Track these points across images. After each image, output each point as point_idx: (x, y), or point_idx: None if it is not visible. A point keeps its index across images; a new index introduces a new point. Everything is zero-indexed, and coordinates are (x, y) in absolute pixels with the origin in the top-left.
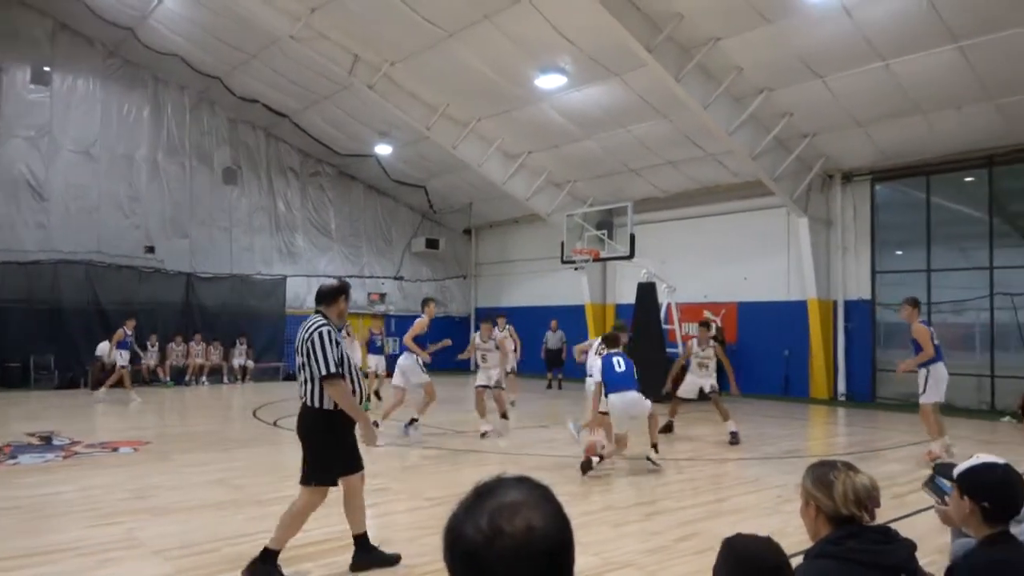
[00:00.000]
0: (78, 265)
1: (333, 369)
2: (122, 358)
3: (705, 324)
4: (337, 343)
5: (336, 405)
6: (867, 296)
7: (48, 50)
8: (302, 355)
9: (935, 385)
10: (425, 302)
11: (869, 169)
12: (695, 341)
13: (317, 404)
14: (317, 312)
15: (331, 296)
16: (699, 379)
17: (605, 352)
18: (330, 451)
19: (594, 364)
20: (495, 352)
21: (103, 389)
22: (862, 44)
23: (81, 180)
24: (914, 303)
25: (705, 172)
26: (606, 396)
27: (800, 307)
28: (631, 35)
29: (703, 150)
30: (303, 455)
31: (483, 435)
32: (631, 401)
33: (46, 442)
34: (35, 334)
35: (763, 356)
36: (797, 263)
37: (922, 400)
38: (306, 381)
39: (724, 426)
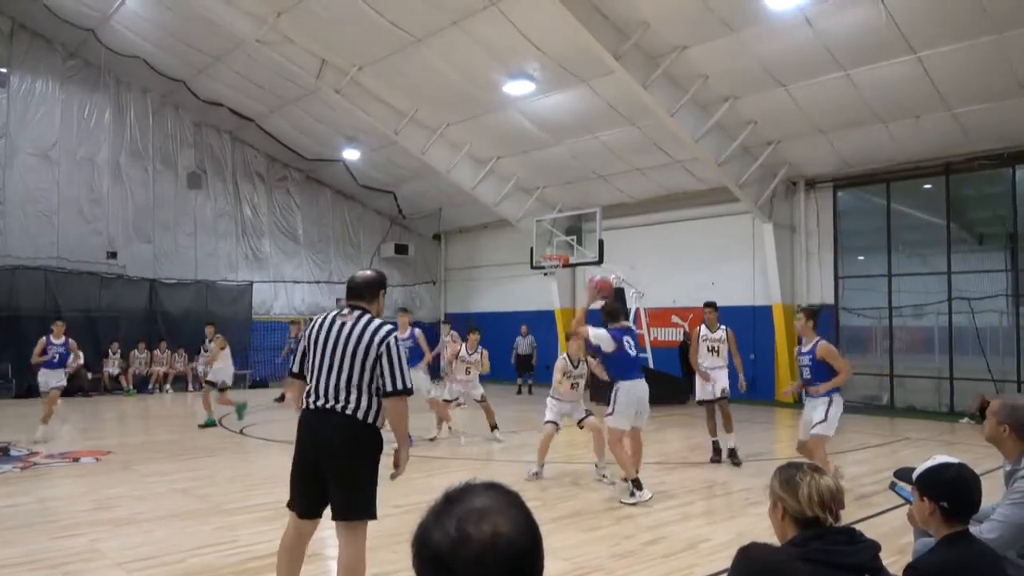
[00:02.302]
0: (36, 271)
1: (409, 385)
2: (46, 378)
3: (712, 305)
4: None
5: (380, 424)
6: (831, 300)
7: (5, 51)
8: (359, 357)
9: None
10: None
11: (831, 176)
12: (703, 326)
13: (371, 420)
14: (352, 307)
15: (377, 287)
16: (712, 374)
17: (612, 327)
18: (376, 477)
19: (599, 334)
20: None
21: (41, 430)
22: (823, 54)
23: (40, 184)
24: (810, 314)
25: (672, 178)
26: (611, 377)
27: (766, 312)
28: (598, 43)
29: (670, 157)
30: (342, 481)
31: (432, 440)
32: (643, 392)
33: (3, 453)
34: None
35: (729, 360)
36: (763, 268)
37: (822, 430)
38: (356, 390)
39: (726, 438)
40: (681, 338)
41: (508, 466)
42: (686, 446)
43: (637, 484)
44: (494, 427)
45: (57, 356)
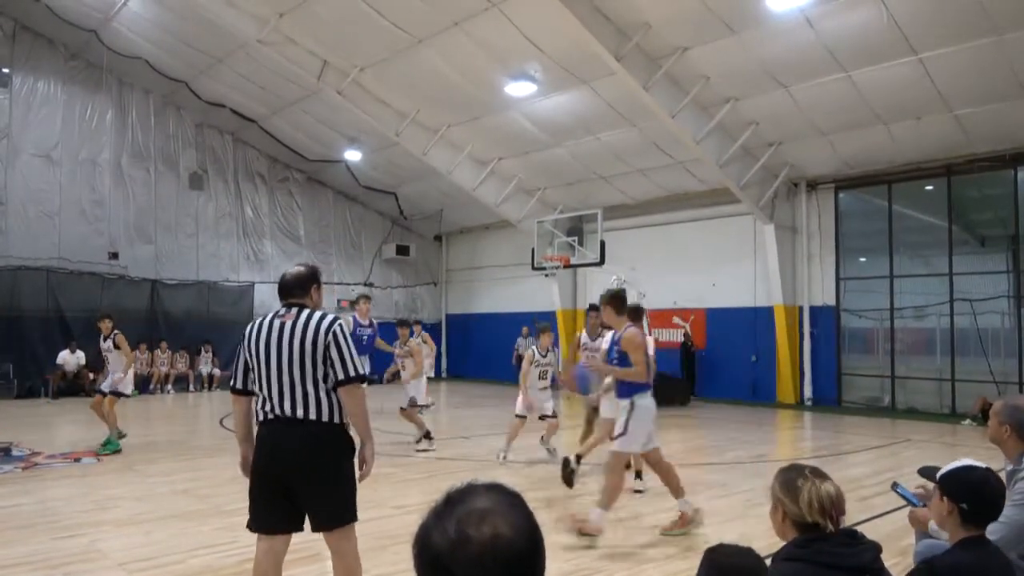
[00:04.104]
0: (38, 272)
1: (362, 371)
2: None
3: (595, 307)
4: None
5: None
6: (832, 302)
7: (8, 52)
8: (307, 353)
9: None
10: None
11: (833, 177)
12: (584, 333)
13: (337, 419)
14: (288, 305)
15: (309, 282)
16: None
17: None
18: (353, 478)
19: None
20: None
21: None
22: (824, 55)
23: (42, 185)
24: (609, 298)
25: (674, 179)
26: (632, 395)
27: (767, 313)
28: (600, 44)
29: (672, 158)
30: (317, 491)
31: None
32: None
33: (5, 453)
34: None
35: (731, 362)
36: (764, 270)
37: (619, 446)
38: (313, 391)
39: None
40: (682, 339)
41: (510, 467)
42: (687, 448)
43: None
44: (543, 439)
45: (107, 358)
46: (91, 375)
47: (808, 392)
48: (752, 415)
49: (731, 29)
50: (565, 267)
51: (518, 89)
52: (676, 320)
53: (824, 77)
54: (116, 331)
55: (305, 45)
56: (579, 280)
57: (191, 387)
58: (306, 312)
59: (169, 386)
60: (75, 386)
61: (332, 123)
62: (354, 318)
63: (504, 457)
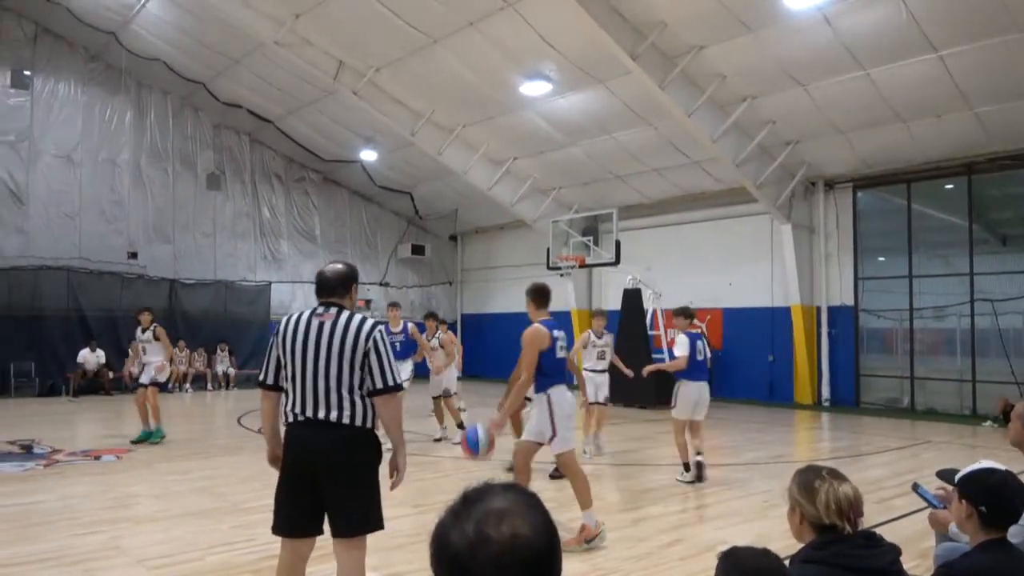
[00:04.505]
0: (59, 271)
1: (400, 380)
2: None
3: (600, 313)
4: None
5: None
6: (850, 302)
7: (29, 54)
8: (346, 357)
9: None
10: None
11: (851, 176)
12: (590, 332)
13: (369, 424)
14: (327, 304)
15: (350, 281)
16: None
17: (687, 329)
18: (379, 485)
19: (679, 345)
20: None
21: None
22: (842, 53)
23: (62, 185)
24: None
25: (690, 179)
26: (679, 379)
27: (784, 313)
28: (615, 43)
29: (687, 157)
30: (345, 496)
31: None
32: (705, 394)
33: (27, 450)
34: (15, 341)
35: (748, 362)
36: (781, 269)
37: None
38: (348, 394)
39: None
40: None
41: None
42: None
43: (687, 467)
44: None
45: (144, 349)
46: (111, 373)
47: (826, 393)
48: (769, 416)
49: (748, 27)
50: (580, 267)
51: (533, 89)
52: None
53: (842, 75)
54: (155, 324)
55: (321, 46)
56: (594, 280)
57: (208, 386)
58: (346, 314)
59: (187, 385)
60: (95, 384)
61: (348, 123)
62: (386, 325)
63: (589, 453)
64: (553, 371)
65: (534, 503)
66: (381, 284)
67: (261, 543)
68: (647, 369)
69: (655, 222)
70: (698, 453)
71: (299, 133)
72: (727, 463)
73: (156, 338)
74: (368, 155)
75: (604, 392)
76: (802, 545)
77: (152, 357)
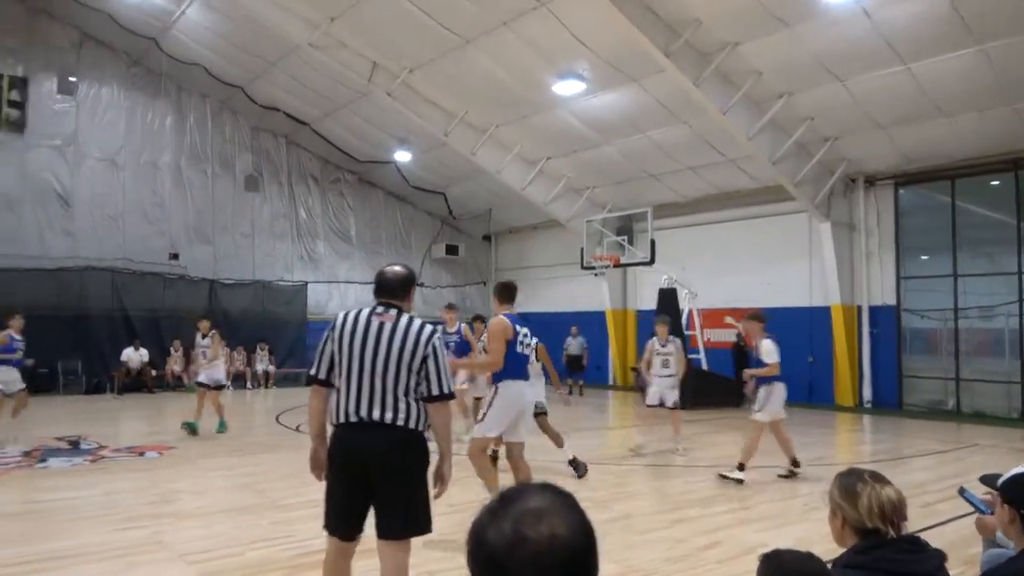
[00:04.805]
0: (104, 272)
1: (453, 388)
2: (5, 379)
3: (663, 321)
4: None
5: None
6: (892, 302)
7: (74, 60)
8: (405, 361)
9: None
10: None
11: (892, 173)
12: (655, 339)
13: (421, 428)
14: (387, 305)
15: (410, 284)
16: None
17: (763, 332)
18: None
19: (768, 350)
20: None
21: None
22: (882, 46)
23: (106, 188)
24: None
25: (725, 177)
26: (770, 382)
27: (823, 313)
28: (649, 41)
29: (723, 155)
30: (396, 498)
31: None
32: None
33: (74, 446)
34: (63, 340)
35: (786, 362)
36: (820, 268)
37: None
38: (404, 397)
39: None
40: (735, 339)
41: (558, 466)
42: (740, 449)
43: (743, 467)
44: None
45: (203, 353)
46: (153, 372)
47: (867, 394)
48: (809, 417)
49: (784, 22)
50: (615, 266)
51: (566, 88)
52: (728, 320)
53: (882, 69)
54: (213, 330)
55: (355, 48)
56: (629, 280)
57: (248, 384)
58: (405, 317)
59: (227, 383)
60: (138, 382)
61: (382, 124)
62: (442, 326)
63: (681, 451)
64: (510, 365)
65: (571, 503)
66: (416, 285)
67: (300, 539)
68: (748, 373)
69: (690, 221)
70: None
71: (334, 135)
72: (766, 465)
73: (214, 344)
74: (402, 156)
75: (673, 397)
76: (844, 550)
77: (214, 361)
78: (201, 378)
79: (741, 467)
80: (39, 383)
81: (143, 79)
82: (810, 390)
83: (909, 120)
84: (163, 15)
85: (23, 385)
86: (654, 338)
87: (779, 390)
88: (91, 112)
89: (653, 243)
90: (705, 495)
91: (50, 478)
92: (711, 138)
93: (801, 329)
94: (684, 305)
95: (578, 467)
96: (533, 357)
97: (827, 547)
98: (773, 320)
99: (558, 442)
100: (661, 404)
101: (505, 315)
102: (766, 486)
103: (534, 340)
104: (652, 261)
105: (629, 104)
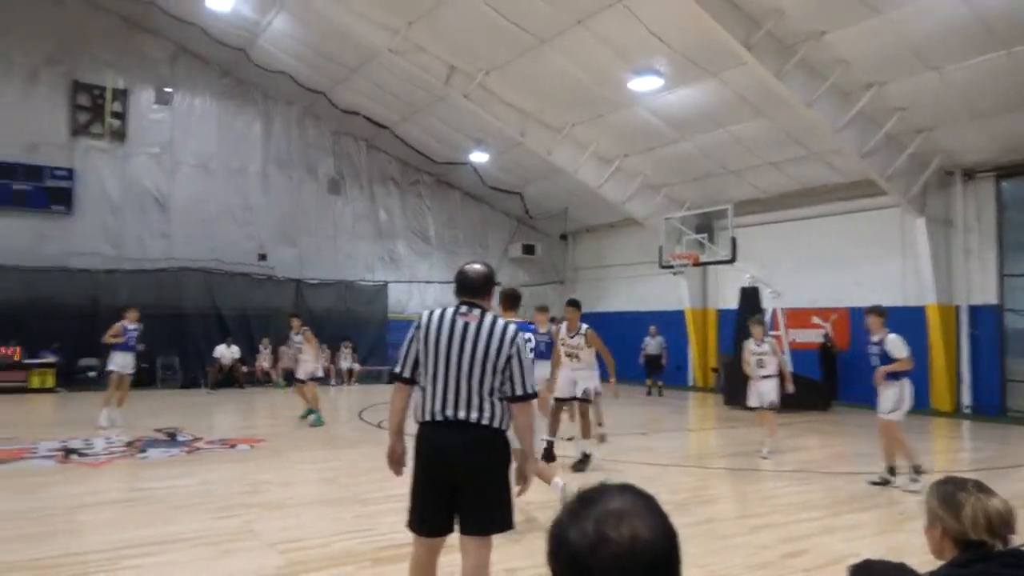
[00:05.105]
0: (197, 272)
1: (536, 388)
2: (120, 363)
3: (758, 321)
4: None
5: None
6: (994, 301)
7: (169, 72)
8: (490, 360)
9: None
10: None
11: (993, 165)
12: (751, 340)
13: (504, 427)
14: (470, 304)
15: (491, 283)
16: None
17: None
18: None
19: (897, 344)
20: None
21: (104, 412)
22: (980, 31)
23: (200, 193)
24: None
25: (810, 172)
26: (899, 378)
27: (918, 313)
28: (729, 33)
29: (807, 149)
30: (480, 496)
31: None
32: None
33: (171, 438)
34: (161, 337)
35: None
36: (914, 266)
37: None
38: (488, 396)
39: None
40: (821, 340)
41: (636, 467)
42: (828, 454)
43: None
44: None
45: (298, 349)
46: (244, 368)
47: (966, 399)
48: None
49: (874, 9)
50: (694, 265)
51: (643, 84)
52: (815, 320)
53: (980, 56)
54: (304, 327)
55: (433, 51)
56: (709, 278)
57: (332, 381)
58: (489, 316)
59: (321, 375)
60: (230, 378)
61: (459, 126)
62: (534, 327)
63: (766, 453)
64: None
65: (652, 506)
66: (495, 283)
67: (381, 533)
68: (882, 371)
69: (773, 218)
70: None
71: (413, 137)
72: (856, 471)
73: (306, 340)
74: (479, 157)
75: (769, 398)
76: (941, 562)
77: (304, 356)
78: (299, 374)
79: (917, 471)
80: (140, 377)
81: (233, 88)
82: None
83: (1010, 109)
84: (251, 26)
85: (133, 370)
86: (750, 339)
87: (909, 387)
88: (185, 121)
89: (734, 241)
90: (790, 500)
91: (150, 468)
92: (795, 132)
93: (894, 329)
94: (767, 305)
95: (584, 462)
96: (583, 342)
97: (923, 559)
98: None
99: (585, 433)
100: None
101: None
102: (857, 492)
103: (584, 327)
104: (733, 259)
105: (708, 99)
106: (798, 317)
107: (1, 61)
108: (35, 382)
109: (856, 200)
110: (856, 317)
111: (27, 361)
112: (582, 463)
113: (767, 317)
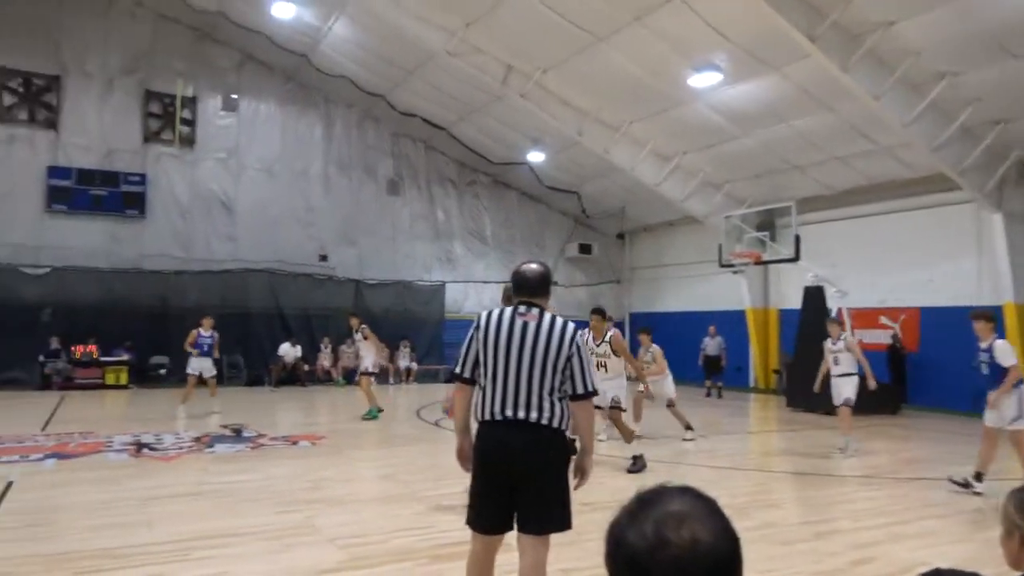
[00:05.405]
0: (261, 273)
1: (597, 386)
2: (192, 366)
3: (834, 320)
4: None
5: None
6: None
7: (236, 80)
8: (551, 360)
9: None
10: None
11: None
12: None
13: (564, 427)
14: (528, 304)
15: (549, 283)
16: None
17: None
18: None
19: (1005, 350)
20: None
21: (182, 404)
22: None
23: (264, 196)
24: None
25: (877, 167)
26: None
27: (995, 313)
28: (791, 25)
29: (875, 143)
30: (540, 495)
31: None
32: None
33: (237, 434)
34: (227, 335)
35: (949, 367)
36: (990, 264)
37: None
38: (548, 396)
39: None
40: (889, 341)
41: (695, 469)
42: (897, 459)
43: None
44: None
45: (360, 346)
46: (305, 367)
47: None
48: (975, 427)
49: None
50: (755, 264)
51: (702, 80)
52: (883, 320)
53: None
54: (363, 325)
55: (490, 52)
56: (771, 277)
57: (391, 380)
58: (548, 316)
59: (376, 371)
60: (292, 376)
61: (516, 126)
62: (579, 324)
63: (848, 451)
64: None
65: (713, 508)
66: (552, 282)
67: (439, 531)
68: (999, 395)
69: (838, 215)
70: None
71: (470, 138)
72: (926, 477)
73: (364, 337)
74: (535, 156)
75: (845, 395)
76: (1019, 574)
77: (363, 353)
78: (365, 367)
79: (978, 477)
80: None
81: (295, 93)
82: (975, 398)
83: None
84: (313, 32)
85: (214, 372)
86: (828, 339)
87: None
88: (250, 126)
89: (798, 239)
90: (857, 506)
91: (217, 463)
92: (861, 125)
93: (966, 330)
94: (832, 305)
95: (636, 463)
96: (608, 350)
97: (998, 571)
98: (935, 321)
99: (628, 438)
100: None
101: None
102: (927, 499)
103: (609, 333)
104: (797, 258)
105: (769, 93)
106: (865, 317)
107: (80, 74)
108: (110, 379)
109: (927, 195)
110: (927, 317)
111: (103, 359)
112: (635, 465)
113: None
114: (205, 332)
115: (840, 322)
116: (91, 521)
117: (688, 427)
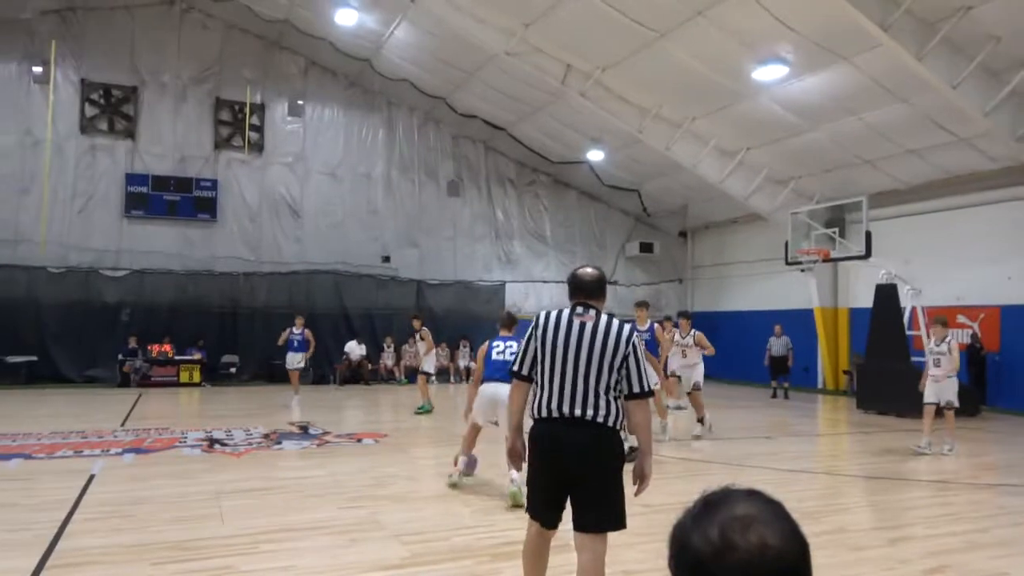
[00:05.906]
0: (327, 275)
1: (652, 386)
2: (290, 361)
3: (938, 321)
4: None
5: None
6: None
7: (301, 86)
8: (607, 359)
9: None
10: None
11: None
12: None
13: (619, 426)
14: (585, 305)
15: (605, 286)
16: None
17: None
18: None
19: None
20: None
21: (295, 396)
22: None
23: (329, 199)
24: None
25: (955, 159)
26: None
27: None
28: (861, 14)
29: (952, 134)
30: (595, 493)
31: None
32: None
33: (304, 431)
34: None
35: None
36: None
37: None
38: (604, 395)
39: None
40: (968, 340)
41: (760, 472)
42: (975, 464)
43: None
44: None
45: (295, 342)
46: (369, 365)
47: None
48: None
49: None
50: (824, 261)
51: (767, 73)
52: (961, 319)
53: None
54: (423, 327)
55: (549, 51)
56: (840, 275)
57: (451, 379)
58: (605, 317)
59: (432, 377)
60: (356, 375)
61: (575, 125)
62: (633, 324)
63: (948, 449)
64: (488, 370)
65: (781, 513)
66: (610, 283)
67: (499, 529)
68: None
69: (912, 209)
70: None
71: (529, 138)
72: (1007, 483)
73: (422, 338)
74: (595, 155)
75: (945, 396)
76: None
77: (421, 353)
78: (423, 368)
79: None
80: (273, 373)
81: (359, 98)
82: None
83: None
84: (375, 37)
85: (302, 365)
86: (932, 340)
87: None
88: (315, 131)
89: (868, 235)
90: (932, 512)
91: (285, 458)
92: (937, 116)
93: None
94: (906, 303)
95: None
96: (692, 342)
97: None
98: (1016, 320)
99: (699, 413)
100: (938, 403)
101: (498, 338)
102: (1007, 506)
103: (693, 331)
104: (868, 255)
105: (838, 85)
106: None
107: (155, 84)
108: (184, 377)
109: (1009, 188)
110: (1008, 316)
111: (177, 358)
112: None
113: (906, 316)
114: (297, 330)
115: (946, 323)
116: (166, 514)
117: (700, 420)
